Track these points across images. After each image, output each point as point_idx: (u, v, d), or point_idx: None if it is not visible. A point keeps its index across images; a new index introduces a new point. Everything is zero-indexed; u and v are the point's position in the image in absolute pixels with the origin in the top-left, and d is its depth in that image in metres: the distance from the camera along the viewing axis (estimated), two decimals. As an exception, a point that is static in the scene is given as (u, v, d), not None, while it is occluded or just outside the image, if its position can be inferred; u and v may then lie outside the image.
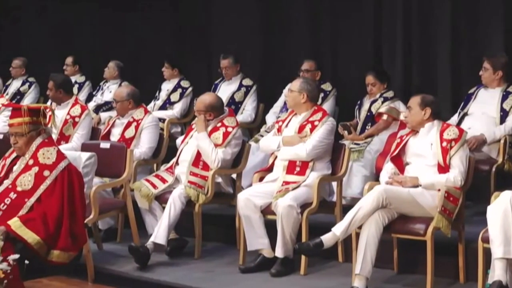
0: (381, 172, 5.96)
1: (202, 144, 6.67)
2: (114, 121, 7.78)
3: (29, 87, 10.53)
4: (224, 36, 9.64)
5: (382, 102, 7.47)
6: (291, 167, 6.23)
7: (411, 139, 5.84)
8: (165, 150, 7.64)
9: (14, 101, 10.07)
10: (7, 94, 10.19)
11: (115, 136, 7.62)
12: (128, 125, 7.56)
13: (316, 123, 6.30)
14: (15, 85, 10.64)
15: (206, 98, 6.88)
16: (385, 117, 7.41)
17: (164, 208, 6.52)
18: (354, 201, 6.32)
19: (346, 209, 5.87)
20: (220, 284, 5.97)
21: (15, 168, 5.51)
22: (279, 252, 6.01)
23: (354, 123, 7.61)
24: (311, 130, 6.27)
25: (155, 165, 7.73)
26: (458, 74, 7.98)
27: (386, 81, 7.58)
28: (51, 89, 7.92)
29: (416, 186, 5.59)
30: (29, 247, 5.09)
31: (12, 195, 5.35)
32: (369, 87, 7.58)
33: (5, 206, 5.32)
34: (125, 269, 6.35)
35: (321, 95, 7.73)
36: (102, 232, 7.20)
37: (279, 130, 6.52)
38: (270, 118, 8.30)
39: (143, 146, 7.45)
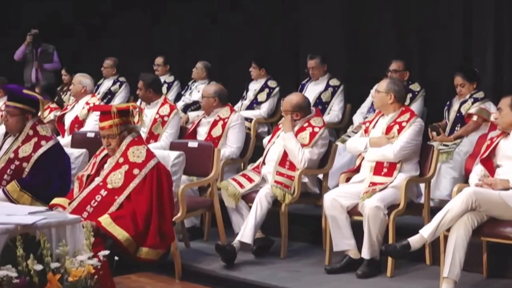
0: (471, 174, 5.84)
1: (288, 144, 6.68)
2: (200, 119, 7.86)
3: (120, 86, 10.73)
4: (311, 36, 9.63)
5: (472, 103, 7.32)
6: (378, 168, 6.18)
7: (502, 141, 5.72)
8: (252, 150, 7.68)
9: (105, 101, 10.28)
10: (98, 93, 10.41)
11: (201, 135, 7.70)
12: (215, 123, 7.62)
13: (403, 124, 6.23)
14: (106, 84, 10.86)
15: (293, 98, 6.89)
16: (475, 118, 7.27)
17: (250, 207, 6.56)
18: (442, 203, 6.23)
19: (434, 211, 5.80)
20: (306, 285, 5.96)
21: (105, 166, 5.60)
22: (365, 254, 5.97)
23: (443, 124, 7.50)
24: (399, 131, 6.20)
25: (242, 165, 7.79)
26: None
27: (475, 82, 7.42)
28: (140, 88, 8.06)
29: (507, 188, 5.46)
30: (118, 243, 5.17)
31: (103, 192, 5.44)
32: (458, 88, 7.45)
33: (96, 203, 5.42)
34: (212, 267, 6.41)
35: (409, 95, 7.66)
36: (189, 230, 7.28)
37: (366, 131, 6.48)
38: (357, 118, 8.25)
39: (231, 146, 7.51)
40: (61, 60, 11.89)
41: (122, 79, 10.80)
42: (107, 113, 5.54)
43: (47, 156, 6.08)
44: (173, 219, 5.77)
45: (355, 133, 7.37)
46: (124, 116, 5.53)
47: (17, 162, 6.04)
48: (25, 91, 6.14)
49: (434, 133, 7.30)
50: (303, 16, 9.86)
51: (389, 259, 5.95)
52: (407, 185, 6.05)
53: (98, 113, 8.27)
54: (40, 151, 6.06)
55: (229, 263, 6.38)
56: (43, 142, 6.09)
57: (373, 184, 6.10)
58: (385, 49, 8.92)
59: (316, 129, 6.72)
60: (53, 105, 9.28)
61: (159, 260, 5.46)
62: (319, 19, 9.57)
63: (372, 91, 7.72)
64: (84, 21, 12.43)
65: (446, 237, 5.41)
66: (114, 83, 10.77)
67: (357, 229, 6.06)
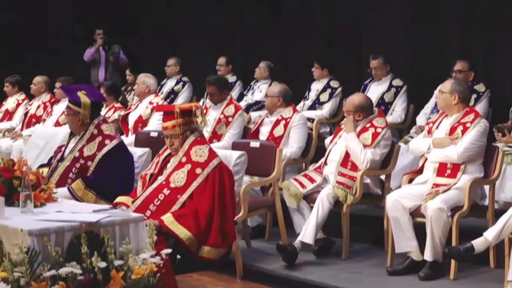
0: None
1: (351, 145, 6.65)
2: (263, 119, 7.87)
3: (183, 86, 10.81)
4: (374, 36, 9.57)
5: (539, 104, 7.20)
6: (441, 170, 6.11)
7: None
8: (314, 150, 7.67)
9: (168, 100, 10.37)
10: (161, 93, 10.51)
11: (263, 134, 7.72)
12: (277, 123, 7.63)
13: (468, 124, 6.15)
14: (169, 84, 10.95)
15: (355, 99, 6.85)
16: (541, 119, 7.15)
17: (312, 207, 6.54)
18: (507, 205, 6.13)
19: (498, 213, 5.71)
20: (367, 286, 5.93)
21: (168, 165, 5.65)
22: (428, 255, 5.91)
23: (508, 125, 7.36)
24: (463, 132, 6.12)
25: (303, 165, 7.78)
26: None
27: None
28: (213, 93, 8.10)
29: None
30: (181, 242, 5.21)
31: (166, 191, 5.49)
32: (524, 89, 7.33)
33: (158, 202, 5.47)
34: (273, 267, 6.41)
35: (474, 96, 7.56)
36: (250, 230, 7.31)
37: (429, 131, 6.41)
38: (420, 119, 8.17)
39: (293, 146, 7.51)
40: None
41: (185, 78, 10.88)
42: (170, 113, 5.58)
43: (111, 155, 6.15)
44: (234, 219, 5.79)
45: (418, 134, 7.30)
46: (187, 116, 5.57)
47: (82, 161, 6.13)
48: (79, 93, 6.20)
49: (500, 134, 7.18)
50: (366, 15, 9.81)
51: (452, 262, 5.88)
52: (471, 186, 5.97)
53: (162, 112, 8.42)
54: (104, 150, 6.14)
55: (290, 263, 6.37)
56: (107, 141, 6.17)
57: (436, 185, 6.03)
58: (450, 49, 8.82)
59: (379, 130, 6.68)
60: (118, 105, 9.38)
61: (220, 259, 5.49)
62: (382, 18, 9.51)
63: (436, 92, 7.63)
64: (148, 21, 12.56)
65: (511, 240, 5.32)
66: (177, 83, 10.86)
67: (419, 231, 6.00)
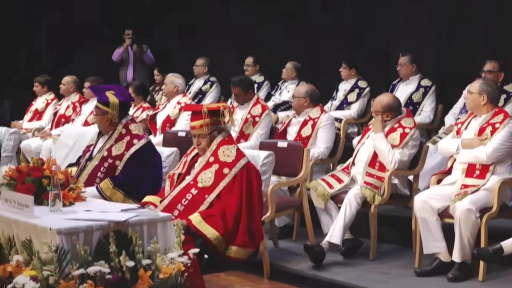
0: None
1: (379, 145, 6.63)
2: (291, 119, 7.87)
3: (211, 86, 10.83)
4: (403, 37, 9.53)
5: None
6: (470, 170, 6.07)
7: None
8: (342, 150, 7.65)
9: (196, 100, 10.39)
10: (189, 93, 10.54)
11: (291, 134, 7.71)
12: (305, 123, 7.63)
13: (497, 125, 6.10)
14: (197, 84, 10.98)
15: (383, 99, 6.83)
16: None
17: (339, 208, 6.53)
18: (536, 206, 6.08)
19: (528, 214, 5.67)
20: (395, 287, 5.90)
21: (196, 165, 5.66)
22: (456, 257, 5.88)
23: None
24: (492, 132, 6.08)
25: (331, 165, 7.76)
26: None
27: None
28: (239, 94, 8.13)
29: None
30: (208, 242, 5.22)
31: (193, 191, 5.50)
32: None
33: (186, 201, 5.48)
34: (300, 267, 6.41)
35: (503, 96, 7.50)
36: (278, 230, 7.31)
37: (458, 132, 6.37)
38: (449, 119, 8.13)
39: (320, 146, 7.50)
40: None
41: (213, 78, 10.91)
42: (198, 112, 5.59)
43: (139, 155, 6.17)
44: (262, 219, 5.79)
45: (447, 134, 7.25)
46: (214, 116, 5.57)
47: (110, 160, 6.16)
48: (108, 93, 6.23)
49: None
50: (395, 15, 9.77)
51: (481, 263, 5.84)
52: (500, 187, 5.93)
53: (189, 112, 8.44)
54: (133, 149, 6.17)
55: (318, 264, 6.37)
56: (135, 141, 6.19)
57: (465, 186, 6.00)
58: (479, 49, 8.76)
59: (407, 130, 6.65)
60: (146, 105, 9.43)
61: (248, 259, 5.49)
62: (411, 18, 9.47)
63: (465, 92, 7.59)
64: (176, 21, 12.61)
65: (540, 242, 5.29)
66: (205, 83, 10.89)
67: (448, 232, 5.97)
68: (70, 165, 6.50)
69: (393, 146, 6.60)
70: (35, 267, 4.13)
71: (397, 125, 6.70)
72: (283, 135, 7.79)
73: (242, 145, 7.17)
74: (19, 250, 4.41)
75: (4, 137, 7.96)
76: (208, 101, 10.51)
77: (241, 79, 8.45)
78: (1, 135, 7.87)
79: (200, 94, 10.75)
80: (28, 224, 4.37)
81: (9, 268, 4.29)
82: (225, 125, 5.68)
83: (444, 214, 5.99)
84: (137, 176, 6.10)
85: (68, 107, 10.34)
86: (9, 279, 4.23)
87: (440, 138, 7.39)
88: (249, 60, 10.61)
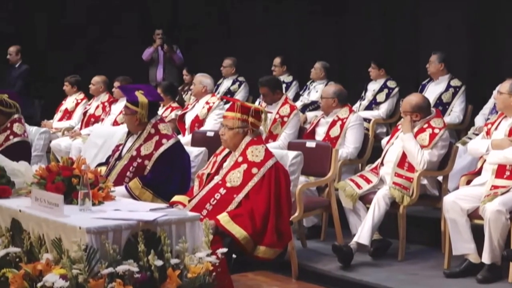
0: None
1: (408, 145, 6.59)
2: (319, 120, 7.86)
3: (239, 86, 10.86)
4: (433, 37, 9.48)
5: None
6: (500, 171, 6.02)
7: None
8: (370, 150, 7.64)
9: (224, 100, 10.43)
10: (218, 93, 10.57)
11: (319, 135, 7.71)
12: (333, 124, 7.62)
13: (527, 126, 6.06)
14: (225, 84, 11.01)
15: (412, 99, 6.80)
16: None
17: (368, 208, 6.51)
18: None
19: (559, 216, 5.61)
20: (424, 288, 5.89)
21: (225, 164, 5.67)
22: (486, 258, 5.83)
23: None
24: (523, 133, 6.04)
25: (360, 165, 7.74)
26: None
27: None
28: (266, 94, 8.15)
29: None
30: (236, 242, 5.22)
31: (222, 191, 5.50)
32: None
33: (215, 201, 5.48)
34: (328, 267, 6.40)
35: (535, 96, 7.42)
36: (306, 230, 7.31)
37: (488, 133, 6.33)
38: (479, 120, 8.07)
39: (349, 146, 7.49)
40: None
41: (241, 78, 10.93)
42: (233, 104, 5.67)
43: (168, 154, 6.19)
44: (290, 219, 5.79)
45: (477, 135, 7.20)
46: (245, 114, 5.58)
47: (139, 160, 6.18)
48: (137, 93, 6.25)
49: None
50: (424, 15, 9.72)
51: (511, 265, 5.80)
52: (531, 189, 5.88)
53: (218, 112, 8.50)
54: (161, 149, 6.18)
55: (346, 264, 6.36)
56: (164, 141, 6.21)
57: (495, 187, 5.95)
58: (510, 49, 8.68)
59: (436, 130, 6.62)
60: (174, 104, 9.47)
61: (276, 259, 5.48)
62: (441, 18, 9.42)
63: (495, 93, 7.53)
64: (205, 21, 12.64)
65: None
66: (233, 83, 10.92)
67: (477, 233, 5.93)
68: (100, 165, 6.53)
69: (422, 147, 6.56)
70: (64, 266, 4.16)
71: (426, 125, 6.67)
72: (311, 135, 7.79)
73: (271, 145, 7.18)
74: (49, 249, 4.44)
75: (34, 136, 8.01)
76: (237, 101, 10.54)
77: (269, 79, 8.47)
78: (31, 135, 7.92)
79: (229, 94, 10.78)
80: (58, 223, 4.40)
81: (39, 267, 4.32)
82: (256, 129, 5.65)
83: (473, 215, 5.95)
84: (165, 175, 6.12)
85: (97, 106, 10.41)
86: (39, 278, 4.26)
87: (470, 138, 7.34)
88: (276, 61, 10.61)
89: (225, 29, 12.41)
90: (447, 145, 6.68)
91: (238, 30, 12.09)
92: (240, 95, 10.75)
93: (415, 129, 6.66)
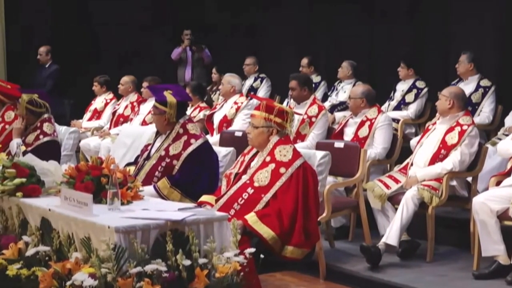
0: None
1: (429, 176, 6.55)
2: (348, 120, 7.84)
3: (261, 82, 10.94)
4: (462, 37, 9.42)
5: None
6: (530, 172, 5.99)
7: None
8: (399, 151, 7.60)
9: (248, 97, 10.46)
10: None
11: (348, 135, 7.69)
12: (362, 124, 7.59)
13: (558, 126, 6.01)
14: (248, 83, 11.10)
15: (452, 87, 6.76)
16: None
17: (396, 209, 6.49)
18: None
19: None
20: (453, 289, 5.86)
21: (252, 164, 5.67)
22: (515, 260, 5.80)
23: None
24: (553, 133, 5.99)
25: (388, 166, 7.72)
26: None
27: None
28: (294, 88, 8.15)
29: None
30: (264, 242, 5.22)
31: (250, 190, 5.50)
32: None
33: (242, 201, 5.49)
34: (356, 268, 6.39)
35: None
36: (334, 230, 7.29)
37: (518, 133, 6.29)
38: (508, 120, 8.00)
39: (377, 146, 7.46)
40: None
41: (262, 75, 11.03)
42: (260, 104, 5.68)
43: (196, 154, 6.20)
44: (318, 219, 5.78)
45: (507, 135, 7.15)
46: (270, 113, 5.57)
47: (167, 160, 6.20)
48: (165, 93, 6.27)
49: None
50: (455, 15, 9.67)
51: (541, 267, 5.76)
52: (561, 190, 5.83)
53: (246, 112, 8.50)
54: (190, 149, 6.20)
55: (374, 265, 6.33)
56: (192, 141, 6.23)
57: (525, 188, 5.91)
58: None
59: (465, 127, 6.59)
60: (203, 104, 9.49)
61: (303, 259, 5.47)
62: (471, 18, 9.36)
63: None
64: (233, 22, 12.67)
65: None
66: (255, 80, 11.01)
67: (507, 234, 5.89)
68: (128, 164, 6.56)
69: (452, 145, 6.53)
70: (93, 265, 4.18)
71: (455, 123, 6.64)
72: (339, 135, 7.77)
73: (299, 145, 7.17)
74: (78, 248, 4.47)
75: (64, 136, 8.07)
76: (260, 96, 10.57)
77: (300, 75, 8.52)
78: (61, 134, 7.97)
79: (252, 91, 10.86)
80: (87, 222, 4.43)
81: (68, 265, 4.35)
82: (283, 130, 5.64)
83: (503, 216, 5.90)
84: (194, 175, 6.13)
85: (126, 106, 10.45)
86: (68, 276, 4.29)
87: (500, 139, 7.29)
88: (304, 61, 10.62)
89: (252, 29, 12.42)
90: (476, 143, 6.64)
91: (267, 30, 12.10)
92: (262, 90, 10.85)
93: (444, 129, 6.63)
